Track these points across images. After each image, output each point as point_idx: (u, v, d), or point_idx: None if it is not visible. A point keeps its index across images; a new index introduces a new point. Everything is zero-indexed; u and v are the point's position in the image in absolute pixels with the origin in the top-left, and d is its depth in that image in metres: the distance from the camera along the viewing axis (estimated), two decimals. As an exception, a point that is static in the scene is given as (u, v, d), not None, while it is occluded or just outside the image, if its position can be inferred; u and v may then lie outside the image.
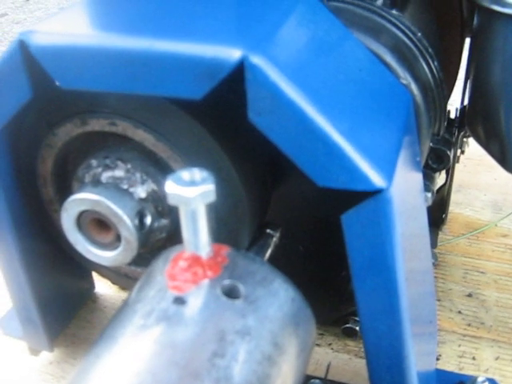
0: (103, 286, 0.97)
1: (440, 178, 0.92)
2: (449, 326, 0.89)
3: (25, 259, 0.69)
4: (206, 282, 0.45)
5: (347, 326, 0.85)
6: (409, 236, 0.57)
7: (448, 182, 0.95)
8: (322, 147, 0.46)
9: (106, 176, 0.59)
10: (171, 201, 0.42)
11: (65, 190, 0.65)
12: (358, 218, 0.49)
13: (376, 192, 0.47)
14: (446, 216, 0.96)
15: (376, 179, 0.47)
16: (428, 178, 0.73)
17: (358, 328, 0.85)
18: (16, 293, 0.73)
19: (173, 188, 0.42)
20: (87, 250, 0.61)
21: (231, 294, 0.45)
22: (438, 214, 0.96)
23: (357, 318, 0.85)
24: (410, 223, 0.57)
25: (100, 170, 0.60)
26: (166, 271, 0.46)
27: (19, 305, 0.75)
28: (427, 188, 0.69)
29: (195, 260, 0.45)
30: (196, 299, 0.44)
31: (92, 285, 0.94)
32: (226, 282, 0.46)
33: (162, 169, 0.59)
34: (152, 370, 0.39)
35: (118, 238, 0.59)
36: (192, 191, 0.42)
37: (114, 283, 0.91)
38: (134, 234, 0.57)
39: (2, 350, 0.87)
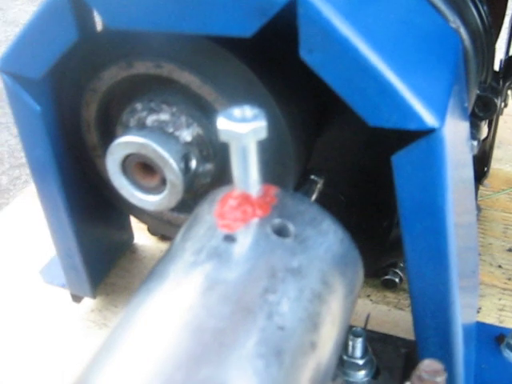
0: (142, 238, 0.97)
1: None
2: (489, 280, 0.88)
3: (69, 206, 0.70)
4: (255, 220, 0.45)
5: (387, 277, 0.85)
6: (457, 182, 0.56)
7: (491, 135, 0.94)
8: (374, 85, 0.46)
9: (151, 120, 0.59)
10: (223, 137, 0.42)
11: (108, 136, 0.65)
12: (409, 159, 0.48)
13: (428, 131, 0.46)
14: (488, 170, 0.95)
15: (429, 118, 0.46)
16: (474, 127, 0.71)
17: (397, 280, 0.85)
18: (60, 240, 0.74)
19: (224, 124, 0.42)
20: (132, 194, 0.61)
21: (281, 232, 0.45)
22: (479, 167, 0.95)
23: (396, 270, 0.85)
24: (457, 169, 0.56)
25: (145, 113, 0.60)
26: (215, 211, 0.46)
27: (63, 252, 0.76)
28: (473, 136, 0.68)
29: (245, 198, 0.45)
30: (246, 237, 0.44)
31: (131, 235, 0.95)
32: (276, 221, 0.45)
33: (207, 112, 0.59)
34: (205, 305, 0.39)
35: (163, 182, 0.59)
36: (244, 127, 0.41)
37: (154, 231, 0.92)
38: (180, 178, 0.57)
39: (45, 299, 0.89)
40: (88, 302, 0.87)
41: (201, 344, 0.36)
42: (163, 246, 0.96)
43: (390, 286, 0.85)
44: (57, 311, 0.87)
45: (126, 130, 0.60)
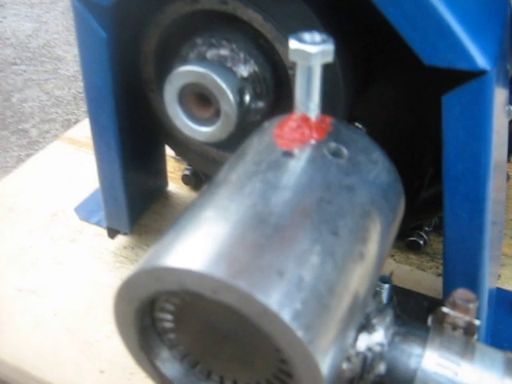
0: (175, 186, 1.01)
1: None
2: (509, 252, 0.91)
3: (119, 137, 0.73)
4: (312, 142, 0.48)
5: (412, 239, 0.88)
6: (496, 137, 0.59)
7: (522, 115, 0.96)
8: (433, 24, 0.48)
9: (210, 54, 0.62)
10: (292, 56, 0.45)
11: (164, 70, 0.68)
12: (459, 100, 0.51)
13: (480, 73, 0.49)
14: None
15: (481, 60, 0.49)
16: (511, 92, 0.74)
17: (421, 242, 0.88)
18: (106, 170, 0.77)
19: (295, 44, 0.45)
20: (185, 124, 0.64)
21: (336, 154, 0.48)
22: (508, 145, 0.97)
23: (421, 233, 0.88)
24: (497, 122, 0.59)
25: (205, 48, 0.62)
26: (274, 132, 0.49)
27: (107, 182, 0.79)
28: (511, 101, 0.70)
29: (304, 120, 0.48)
30: (304, 154, 0.47)
31: (166, 182, 0.98)
32: (332, 144, 0.48)
33: (265, 51, 0.62)
34: (267, 204, 0.42)
35: (217, 114, 0.62)
36: (313, 48, 0.44)
37: (196, 170, 0.94)
38: (234, 109, 0.60)
39: (80, 235, 0.92)
40: (121, 240, 0.91)
41: (264, 235, 0.39)
42: (195, 195, 1.00)
43: (414, 247, 0.88)
44: (90, 245, 0.90)
45: (186, 62, 0.63)
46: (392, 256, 0.89)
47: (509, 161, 0.97)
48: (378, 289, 0.72)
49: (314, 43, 0.45)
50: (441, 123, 0.54)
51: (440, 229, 0.90)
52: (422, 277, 0.85)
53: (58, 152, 1.11)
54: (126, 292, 0.41)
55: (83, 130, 1.16)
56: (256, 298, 0.35)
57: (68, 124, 1.77)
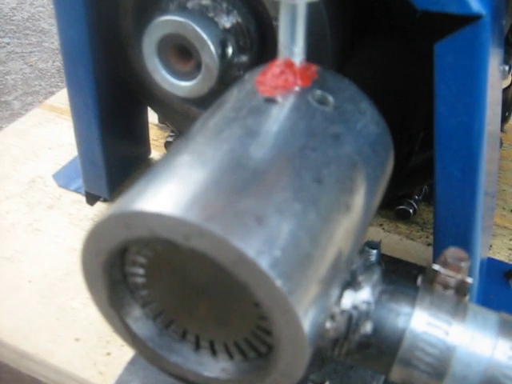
0: (158, 154, 0.97)
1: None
2: (501, 222, 0.89)
3: (96, 95, 0.70)
4: (296, 88, 0.45)
5: (401, 207, 0.85)
6: (490, 95, 0.56)
7: (515, 83, 0.93)
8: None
9: (191, 3, 0.59)
10: (275, -6, 0.42)
11: (144, 24, 0.65)
12: (452, 48, 0.48)
13: (475, 18, 0.46)
14: (510, 115, 0.94)
15: (476, 5, 0.46)
16: (506, 53, 0.71)
17: (411, 210, 0.85)
18: (84, 131, 0.74)
19: (278, -20, 0.42)
20: (164, 78, 0.61)
21: (321, 102, 0.45)
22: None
23: (411, 201, 0.85)
24: (491, 80, 0.56)
25: (185, -2, 0.59)
26: (256, 79, 0.46)
27: (85, 145, 0.76)
28: (505, 61, 0.68)
29: (288, 65, 0.45)
30: (287, 100, 0.44)
31: (148, 149, 0.95)
32: (317, 91, 0.45)
33: (249, 2, 0.59)
34: (246, 148, 0.39)
35: (198, 68, 0.59)
36: (297, -15, 0.41)
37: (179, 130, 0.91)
38: (216, 62, 0.57)
39: (58, 201, 0.89)
40: (100, 207, 0.87)
41: (241, 179, 0.36)
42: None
43: (403, 216, 0.85)
44: (69, 213, 0.87)
45: (166, 12, 0.60)
46: (381, 225, 0.86)
47: (502, 130, 0.95)
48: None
49: (298, -21, 0.42)
50: (432, 84, 0.51)
51: (430, 198, 0.88)
52: (411, 246, 0.83)
53: (38, 119, 1.08)
54: (93, 242, 0.38)
55: (64, 97, 1.12)
56: (231, 244, 0.32)
57: (52, 97, 1.73)
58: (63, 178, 0.92)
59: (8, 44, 2.04)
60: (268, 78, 0.45)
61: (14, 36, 2.11)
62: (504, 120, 0.94)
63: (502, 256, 0.83)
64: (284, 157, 0.39)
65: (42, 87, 1.83)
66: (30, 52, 2.01)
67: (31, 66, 1.94)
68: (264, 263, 0.33)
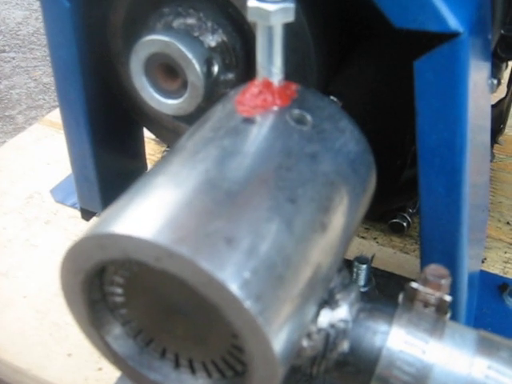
0: (155, 168, 0.98)
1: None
2: (496, 235, 0.89)
3: (88, 112, 0.70)
4: (275, 108, 0.45)
5: (395, 220, 0.85)
6: (474, 111, 0.56)
7: (509, 95, 0.93)
8: (403, -16, 0.46)
9: (177, 23, 0.59)
10: (251, 15, 0.42)
11: (132, 43, 0.66)
12: (431, 65, 0.48)
13: (452, 35, 0.46)
14: (504, 127, 0.94)
15: (453, 22, 0.46)
16: (494, 66, 0.71)
17: (405, 224, 0.85)
18: (76, 147, 0.74)
19: (254, 2, 0.42)
20: (152, 96, 0.61)
21: (299, 121, 0.45)
22: (496, 125, 0.95)
23: (405, 214, 0.85)
24: (475, 94, 0.57)
25: (172, 17, 0.60)
26: (236, 99, 0.47)
27: (78, 161, 0.76)
28: (493, 75, 0.68)
29: (266, 86, 0.46)
30: (265, 120, 0.44)
31: (144, 164, 0.95)
32: (295, 111, 0.46)
33: (233, 21, 0.59)
34: (221, 170, 0.39)
35: (184, 86, 0.59)
36: (272, 6, 0.42)
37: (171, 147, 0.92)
38: (201, 80, 0.57)
39: (54, 216, 0.90)
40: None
41: (214, 201, 0.37)
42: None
43: (397, 229, 0.85)
44: (65, 228, 0.88)
45: (153, 31, 0.60)
46: (375, 239, 0.86)
47: (496, 141, 0.95)
48: (355, 269, 0.70)
49: (273, 1, 0.42)
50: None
51: (424, 211, 0.88)
52: (405, 260, 0.83)
53: (37, 134, 1.09)
54: (71, 262, 0.39)
55: (63, 112, 1.14)
56: (200, 266, 0.33)
57: (55, 111, 1.74)
58: (60, 194, 0.93)
59: (13, 59, 2.06)
60: (247, 98, 0.46)
61: (20, 50, 2.13)
62: (499, 132, 0.94)
63: (496, 269, 0.83)
64: (258, 177, 0.40)
65: (45, 101, 1.85)
66: (35, 66, 2.03)
67: (35, 80, 1.96)
68: (233, 285, 0.33)
